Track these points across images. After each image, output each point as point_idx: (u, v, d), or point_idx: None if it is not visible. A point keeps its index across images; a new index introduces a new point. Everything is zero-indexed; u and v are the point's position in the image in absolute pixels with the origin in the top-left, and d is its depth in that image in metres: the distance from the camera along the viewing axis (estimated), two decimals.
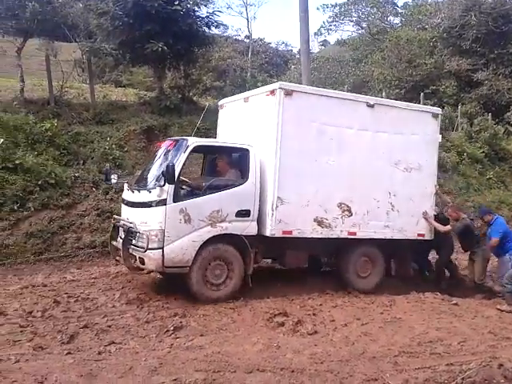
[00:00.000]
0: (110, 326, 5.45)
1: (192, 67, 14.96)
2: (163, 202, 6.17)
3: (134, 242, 6.52)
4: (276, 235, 6.76)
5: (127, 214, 6.94)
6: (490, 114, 19.42)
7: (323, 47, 44.56)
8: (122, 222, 6.94)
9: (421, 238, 7.98)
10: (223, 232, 6.51)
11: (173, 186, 6.17)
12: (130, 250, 6.55)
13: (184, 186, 6.61)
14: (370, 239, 7.53)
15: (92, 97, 13.16)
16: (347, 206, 7.27)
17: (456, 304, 6.91)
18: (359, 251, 7.65)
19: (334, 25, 36.49)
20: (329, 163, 7.13)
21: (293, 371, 4.44)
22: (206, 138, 9.27)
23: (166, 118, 12.51)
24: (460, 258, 9.52)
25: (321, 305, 6.53)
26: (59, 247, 8.72)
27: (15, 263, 8.35)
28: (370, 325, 5.87)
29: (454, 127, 18.20)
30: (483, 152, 16.64)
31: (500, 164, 17.02)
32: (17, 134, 10.34)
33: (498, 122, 19.59)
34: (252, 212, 6.72)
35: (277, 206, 6.70)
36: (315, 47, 41.84)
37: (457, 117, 18.76)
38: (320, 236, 7.08)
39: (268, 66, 32.09)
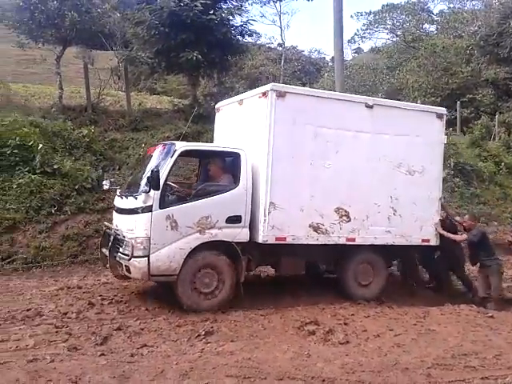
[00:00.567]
0: (142, 329, 5.52)
1: (225, 75, 15.13)
2: (149, 209, 5.98)
3: (121, 249, 6.37)
4: (269, 242, 6.48)
5: (117, 221, 6.82)
6: None
7: (357, 55, 44.32)
8: (110, 230, 6.81)
9: (425, 243, 7.62)
10: (213, 239, 6.27)
11: (158, 192, 5.98)
12: (117, 258, 6.40)
13: (172, 192, 6.45)
14: (372, 245, 7.20)
15: (128, 104, 13.45)
16: (345, 211, 6.94)
17: (492, 317, 6.67)
18: (359, 258, 7.31)
19: (368, 32, 36.35)
20: (325, 167, 6.83)
21: (323, 380, 4.39)
22: None
23: (199, 126, 12.68)
24: None
25: (353, 314, 6.43)
26: (94, 250, 8.86)
27: (51, 265, 8.55)
28: (402, 336, 5.74)
29: (491, 136, 17.82)
30: None
31: None
32: (55, 139, 10.69)
33: None
34: (243, 218, 6.44)
35: (269, 212, 6.43)
36: (349, 55, 41.71)
37: (494, 126, 18.32)
38: (316, 242, 6.78)
39: (300, 73, 32.07)
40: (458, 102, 17.13)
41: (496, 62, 22.64)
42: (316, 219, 6.76)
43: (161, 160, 6.39)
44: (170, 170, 6.21)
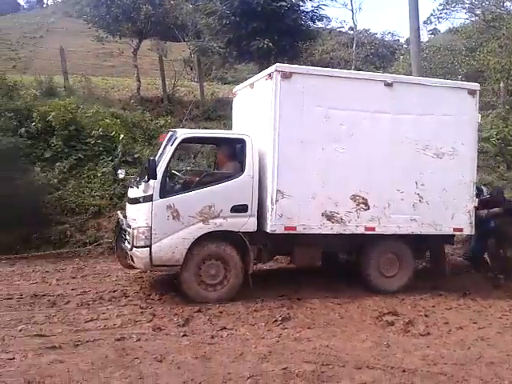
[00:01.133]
0: (221, 312, 5.68)
1: (296, 62, 14.99)
2: (149, 198, 5.88)
3: (126, 239, 6.32)
4: (277, 231, 6.14)
5: (127, 211, 6.83)
6: None
7: (433, 36, 42.12)
8: (122, 219, 6.80)
9: (458, 233, 7.10)
10: (217, 229, 6.04)
11: (158, 181, 5.85)
12: (123, 248, 6.45)
13: (174, 181, 6.33)
14: (396, 234, 6.69)
15: (201, 94, 13.76)
16: (363, 199, 6.45)
17: None
18: (383, 248, 6.83)
19: (445, 12, 34.19)
20: (338, 151, 6.37)
21: (404, 371, 4.31)
22: None
23: None
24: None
25: (433, 306, 6.24)
26: None
27: None
28: (487, 329, 5.52)
29: None
30: None
31: None
32: (135, 130, 11.27)
33: None
34: (250, 207, 6.15)
35: (277, 200, 6.08)
36: (424, 36, 39.56)
37: None
38: (331, 232, 6.35)
39: (374, 57, 30.94)
40: None
41: None
42: (329, 207, 6.34)
43: (163, 148, 6.29)
44: (170, 158, 6.07)
